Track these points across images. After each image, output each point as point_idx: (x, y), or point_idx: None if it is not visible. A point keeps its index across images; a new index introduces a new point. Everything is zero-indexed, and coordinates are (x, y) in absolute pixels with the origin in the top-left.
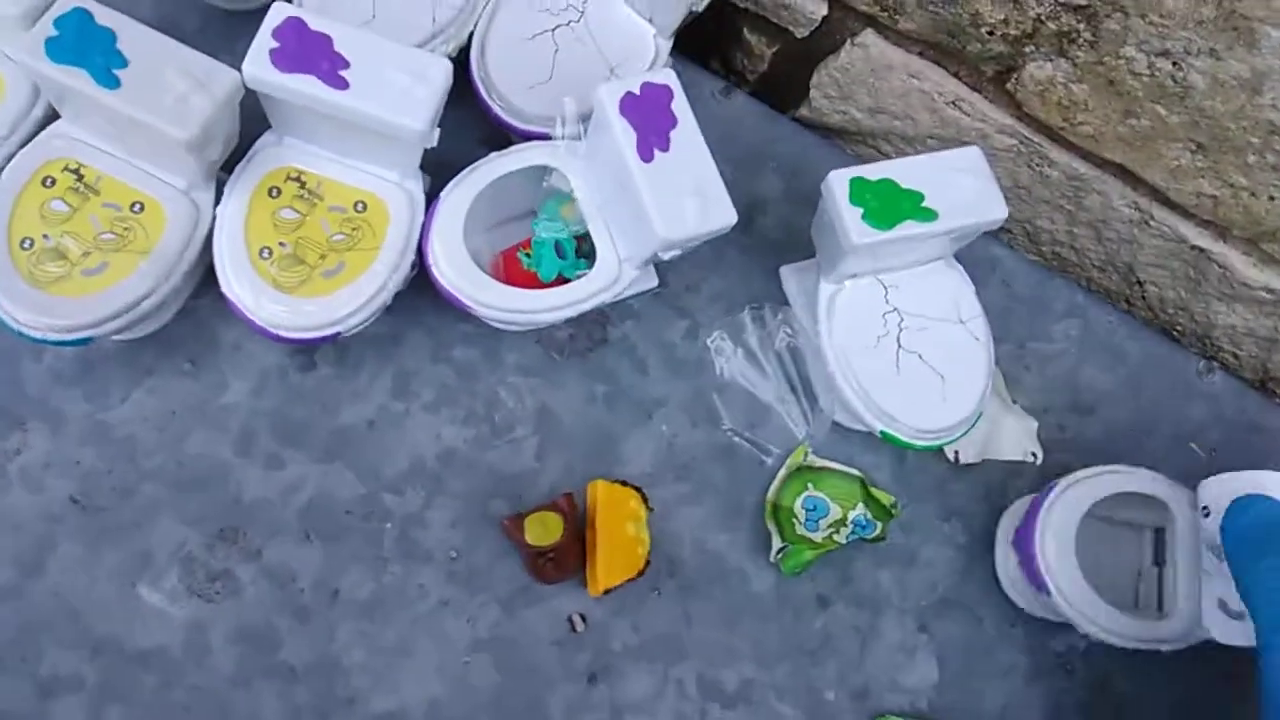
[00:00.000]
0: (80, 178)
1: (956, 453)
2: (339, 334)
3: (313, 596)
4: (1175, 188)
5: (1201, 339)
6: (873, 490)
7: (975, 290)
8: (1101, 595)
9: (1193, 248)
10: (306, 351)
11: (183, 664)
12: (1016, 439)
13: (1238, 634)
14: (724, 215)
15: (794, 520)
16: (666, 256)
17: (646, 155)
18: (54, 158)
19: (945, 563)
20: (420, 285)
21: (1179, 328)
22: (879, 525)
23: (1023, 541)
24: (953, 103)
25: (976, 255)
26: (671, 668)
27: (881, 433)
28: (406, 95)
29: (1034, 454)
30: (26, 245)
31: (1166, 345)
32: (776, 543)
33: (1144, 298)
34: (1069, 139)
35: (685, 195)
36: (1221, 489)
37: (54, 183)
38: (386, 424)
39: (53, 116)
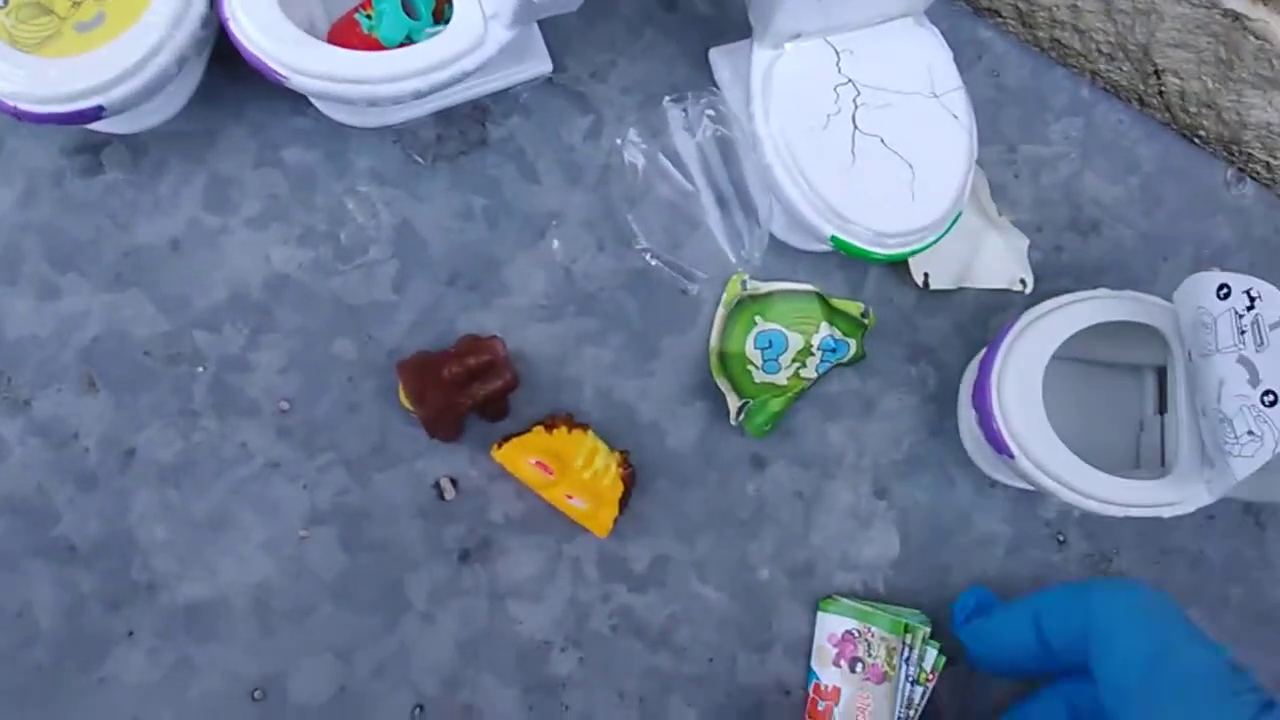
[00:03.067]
0: None
1: (926, 275)
2: (101, 109)
3: (99, 458)
4: None
5: (1229, 143)
6: (833, 302)
7: (953, 58)
8: (1093, 454)
9: (1225, 13)
10: (90, 150)
11: None
12: (1003, 262)
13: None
14: None
15: (749, 368)
16: (547, 11)
17: None
18: None
19: (910, 414)
20: (243, 68)
21: (1203, 130)
22: (852, 342)
23: (979, 395)
24: None
25: (959, 38)
26: (566, 543)
27: (832, 238)
28: None
29: (1023, 280)
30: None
31: (1187, 150)
32: (734, 401)
33: (1161, 92)
34: None
35: None
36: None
37: None
38: (197, 243)
39: None
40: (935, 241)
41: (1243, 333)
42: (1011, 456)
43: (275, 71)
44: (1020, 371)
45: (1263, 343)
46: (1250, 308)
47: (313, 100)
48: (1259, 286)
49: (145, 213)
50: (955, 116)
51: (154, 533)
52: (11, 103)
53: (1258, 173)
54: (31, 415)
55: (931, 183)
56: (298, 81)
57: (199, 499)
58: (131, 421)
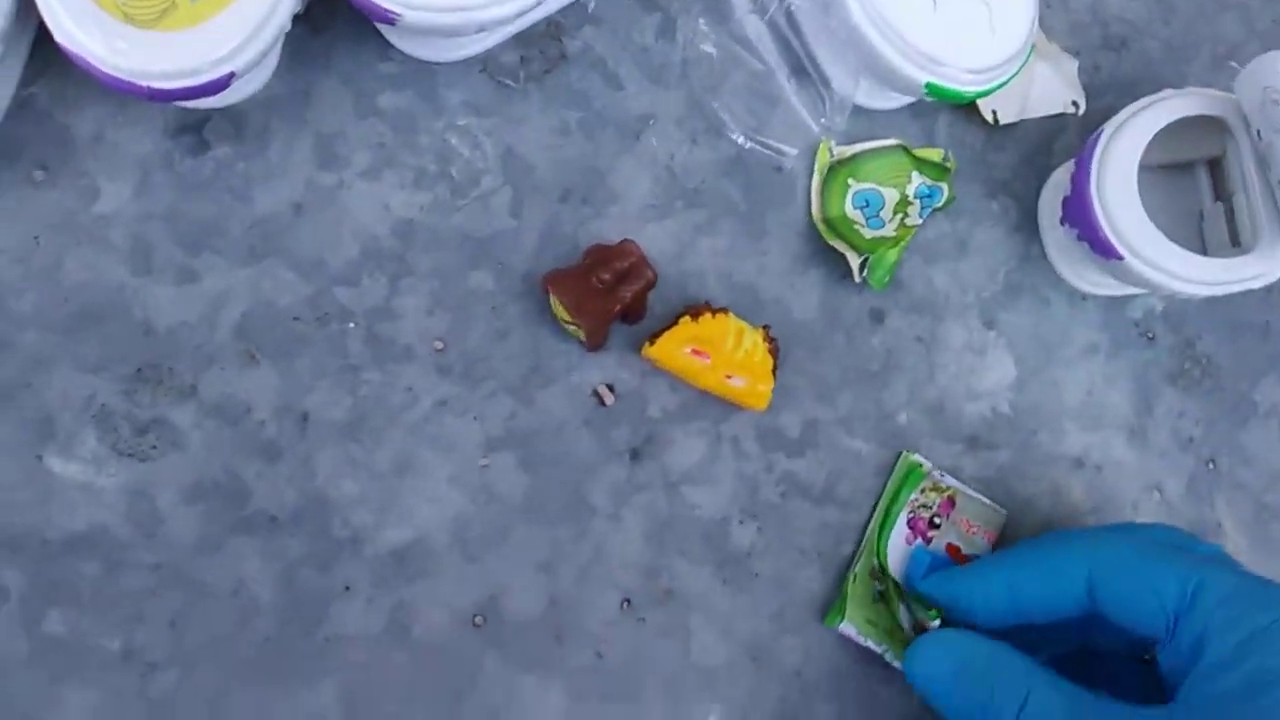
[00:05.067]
0: None
1: (995, 111)
2: (232, 75)
3: (277, 427)
4: None
5: None
6: (916, 152)
7: None
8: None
9: None
10: (192, 129)
11: (130, 542)
12: (1056, 88)
13: None
14: None
15: (855, 227)
16: None
17: None
18: None
19: (999, 246)
20: (315, 24)
21: None
22: (944, 186)
23: (1077, 209)
24: None
25: None
26: (722, 424)
27: (927, 85)
28: None
29: (1075, 103)
30: None
31: None
32: (854, 259)
33: None
34: None
35: None
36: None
37: None
38: (318, 204)
39: None
40: (1019, 71)
41: None
42: (1121, 259)
43: (388, 11)
44: (1116, 179)
45: None
46: None
47: (394, 41)
48: None
49: (260, 181)
50: None
51: (344, 489)
52: (144, 83)
53: None
54: (200, 399)
55: (1007, 15)
56: (411, 17)
57: (379, 448)
58: (298, 387)
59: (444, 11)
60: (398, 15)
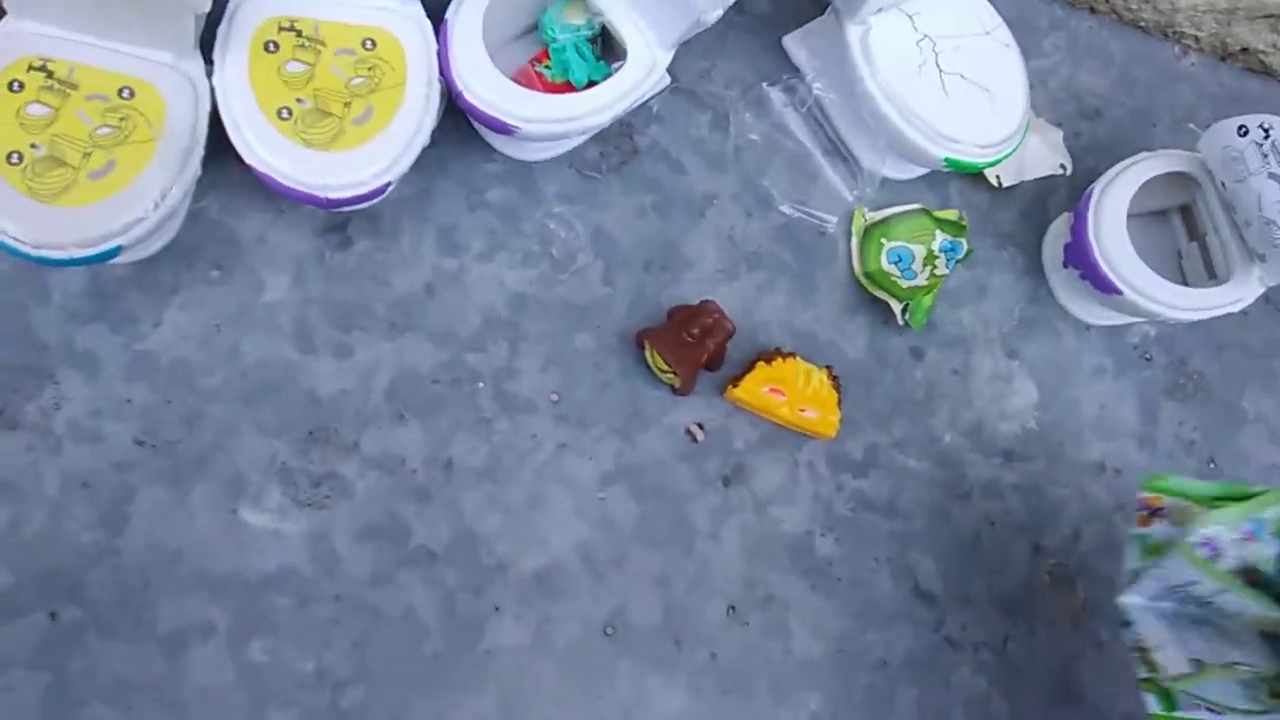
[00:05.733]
0: (50, 74)
1: (999, 176)
2: (389, 184)
3: (427, 475)
4: None
5: (1165, 27)
6: (936, 214)
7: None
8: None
9: None
10: (338, 228)
11: (315, 579)
12: (1046, 153)
13: None
14: None
15: (892, 279)
16: (712, 17)
17: None
18: (14, 59)
19: (1012, 288)
20: (436, 132)
21: (1143, 21)
22: (963, 241)
23: (1078, 254)
24: None
25: None
26: (797, 452)
27: (946, 160)
28: None
29: (1062, 165)
30: (15, 160)
31: (1141, 38)
32: (896, 306)
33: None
34: None
35: None
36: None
37: (21, 86)
38: (445, 284)
39: None
40: (1019, 145)
41: (1265, 156)
42: (1120, 293)
43: (508, 124)
44: (1109, 227)
45: None
46: (1266, 136)
47: (498, 146)
48: (1267, 120)
49: (396, 268)
50: (1007, 45)
51: (488, 523)
52: (322, 194)
53: (1190, 46)
54: (362, 454)
55: (1006, 98)
56: (528, 129)
57: (513, 487)
58: (441, 439)
59: (554, 122)
60: (517, 127)
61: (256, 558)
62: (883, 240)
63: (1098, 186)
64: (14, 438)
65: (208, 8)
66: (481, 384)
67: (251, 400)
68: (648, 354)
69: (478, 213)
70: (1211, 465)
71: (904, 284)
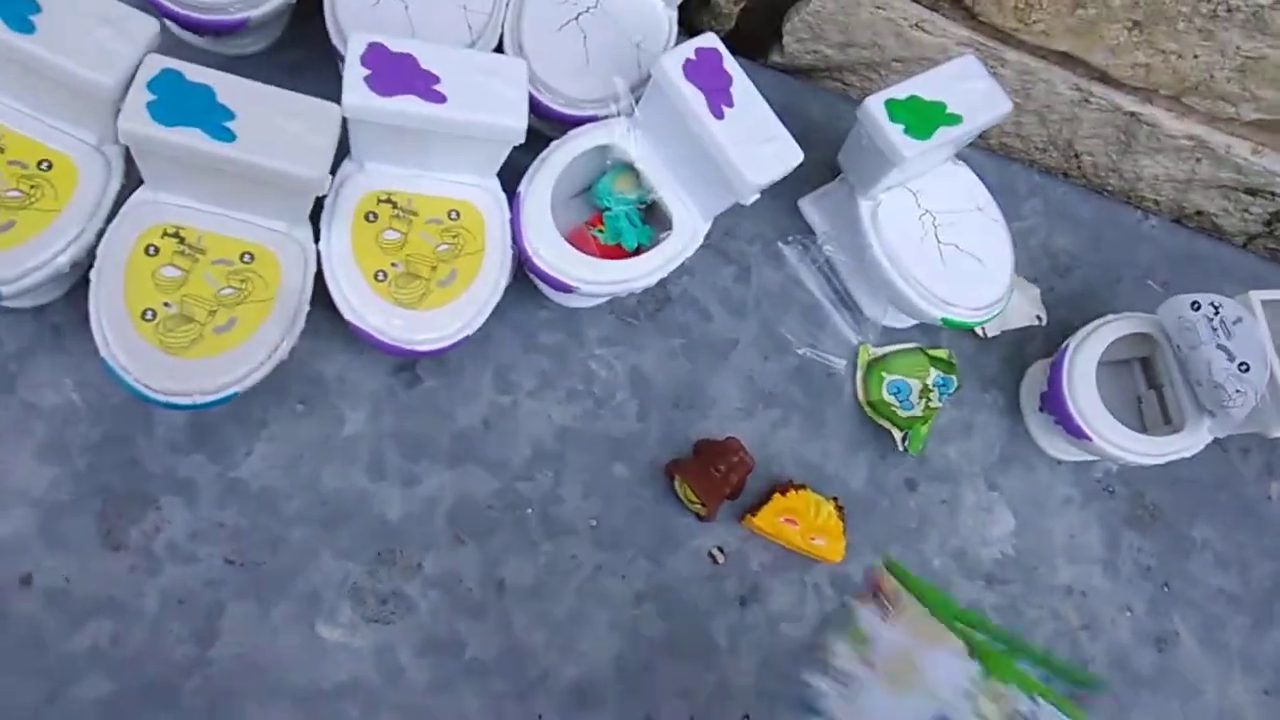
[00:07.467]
0: (182, 240)
1: (983, 328)
2: (467, 337)
3: (482, 593)
4: (1114, 63)
5: (1129, 193)
6: (929, 352)
7: (980, 179)
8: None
9: (1126, 113)
10: (408, 368)
11: (381, 688)
12: (1025, 306)
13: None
14: (794, 154)
15: (891, 409)
16: (750, 200)
17: (718, 113)
18: (149, 225)
19: (993, 427)
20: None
21: (1110, 187)
22: (954, 378)
23: (1053, 403)
24: (915, 25)
25: None
26: (806, 574)
27: (943, 320)
28: (500, 98)
29: (1039, 317)
30: (149, 316)
31: (1107, 203)
32: (897, 433)
33: (1080, 167)
34: (1022, 38)
35: (760, 143)
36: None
37: (157, 250)
38: (500, 418)
39: (127, 190)
40: (1006, 305)
41: (1215, 329)
42: (1090, 439)
43: (569, 284)
44: (1080, 379)
45: (1230, 334)
46: (1216, 313)
47: (550, 295)
48: (1216, 298)
49: (459, 404)
50: (995, 220)
51: (534, 637)
52: (411, 347)
53: (1150, 210)
54: (425, 574)
55: (995, 267)
56: (586, 289)
57: (556, 604)
58: (495, 560)
59: (610, 284)
60: (576, 288)
61: (329, 669)
62: (883, 374)
63: (1071, 344)
64: (118, 559)
65: (327, 190)
66: (529, 510)
67: (328, 524)
68: (677, 486)
69: (531, 354)
70: (1165, 589)
71: (903, 414)
